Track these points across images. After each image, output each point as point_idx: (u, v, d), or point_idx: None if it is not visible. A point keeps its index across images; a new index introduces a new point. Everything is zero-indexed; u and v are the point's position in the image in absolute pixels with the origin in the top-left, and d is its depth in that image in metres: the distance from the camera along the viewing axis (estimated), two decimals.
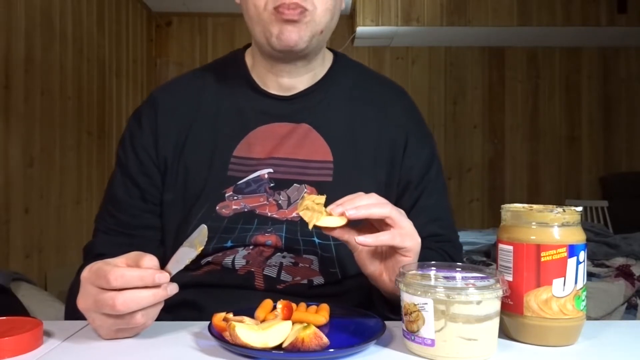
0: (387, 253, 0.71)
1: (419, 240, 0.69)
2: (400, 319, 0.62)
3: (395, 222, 0.67)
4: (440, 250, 0.88)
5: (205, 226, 0.65)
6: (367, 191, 0.86)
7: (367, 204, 0.66)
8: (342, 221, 0.66)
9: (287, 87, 0.91)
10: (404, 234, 0.67)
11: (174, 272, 0.63)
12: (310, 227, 0.66)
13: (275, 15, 0.80)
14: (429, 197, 0.91)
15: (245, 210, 0.84)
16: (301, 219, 0.83)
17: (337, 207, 0.66)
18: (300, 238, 0.83)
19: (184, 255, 0.64)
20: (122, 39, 4.01)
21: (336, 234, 0.68)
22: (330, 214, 0.66)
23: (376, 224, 0.69)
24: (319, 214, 0.66)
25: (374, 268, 0.71)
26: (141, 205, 0.88)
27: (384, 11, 4.24)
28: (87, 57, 3.40)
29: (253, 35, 0.87)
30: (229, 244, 0.83)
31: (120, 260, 0.63)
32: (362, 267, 0.72)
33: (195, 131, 0.88)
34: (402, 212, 0.69)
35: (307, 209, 0.67)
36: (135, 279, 0.59)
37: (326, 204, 0.69)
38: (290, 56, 0.86)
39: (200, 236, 0.64)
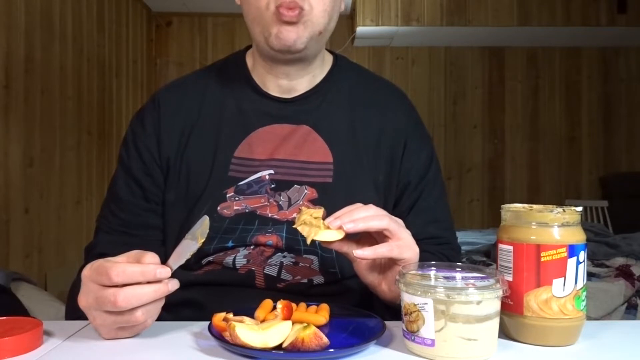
0: (386, 264, 0.71)
1: (417, 250, 0.69)
2: (400, 319, 0.62)
3: (394, 234, 0.67)
4: (438, 253, 0.89)
5: (207, 217, 0.65)
6: (366, 192, 0.87)
7: (365, 216, 0.66)
8: (340, 235, 0.66)
9: (287, 89, 0.91)
10: (402, 245, 0.67)
11: (175, 267, 0.63)
12: (309, 241, 0.66)
13: (276, 15, 0.80)
14: (428, 199, 0.92)
15: (247, 210, 0.85)
16: None
17: (335, 220, 0.66)
18: (301, 238, 0.84)
19: (186, 249, 0.64)
20: (122, 39, 4.01)
21: (335, 247, 0.69)
22: (328, 227, 0.66)
23: (375, 235, 0.69)
24: (317, 228, 0.66)
25: (372, 278, 0.72)
26: (144, 205, 0.88)
27: (384, 11, 4.24)
28: (87, 57, 3.40)
29: (253, 35, 0.88)
30: (230, 244, 0.84)
31: (121, 257, 0.63)
32: (361, 277, 0.73)
33: (198, 132, 0.89)
34: (401, 222, 0.69)
35: (304, 223, 0.67)
36: (137, 275, 0.60)
37: (326, 208, 0.69)
38: (288, 56, 0.86)
39: (201, 227, 0.64)
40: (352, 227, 0.65)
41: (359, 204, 0.69)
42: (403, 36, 4.55)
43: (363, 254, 0.65)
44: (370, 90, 0.96)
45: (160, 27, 4.79)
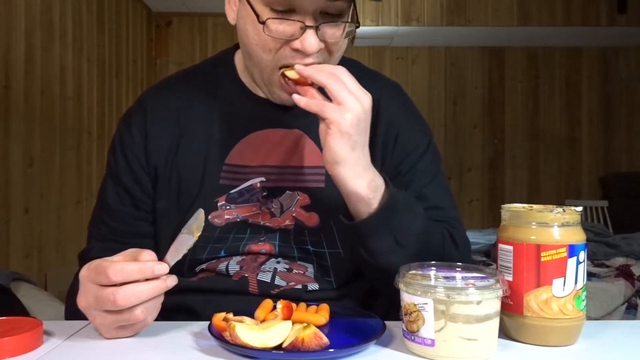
0: None
1: (347, 117, 0.68)
2: (400, 319, 0.62)
3: (333, 95, 0.69)
4: (442, 228, 0.83)
5: (202, 210, 0.65)
6: None
7: (322, 69, 0.71)
8: (294, 75, 0.73)
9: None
10: (331, 107, 0.69)
11: (172, 263, 0.63)
12: (279, 72, 0.76)
13: (282, 79, 0.77)
14: (418, 187, 0.86)
15: (238, 219, 0.83)
16: (294, 227, 0.82)
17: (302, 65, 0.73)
18: (295, 246, 0.82)
19: (183, 244, 0.64)
20: (122, 39, 4.01)
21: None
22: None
23: None
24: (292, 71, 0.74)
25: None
26: (134, 213, 0.86)
27: (384, 11, 4.24)
28: (87, 57, 3.40)
29: (251, 72, 0.84)
30: (222, 253, 0.82)
31: (118, 256, 0.63)
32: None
33: (187, 137, 0.86)
34: (364, 99, 0.71)
35: (293, 69, 0.74)
36: (135, 272, 0.60)
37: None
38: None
39: (197, 221, 0.64)
40: (300, 69, 0.72)
41: (342, 68, 0.72)
42: (403, 36, 4.55)
43: (299, 99, 0.71)
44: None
45: (160, 27, 4.79)
